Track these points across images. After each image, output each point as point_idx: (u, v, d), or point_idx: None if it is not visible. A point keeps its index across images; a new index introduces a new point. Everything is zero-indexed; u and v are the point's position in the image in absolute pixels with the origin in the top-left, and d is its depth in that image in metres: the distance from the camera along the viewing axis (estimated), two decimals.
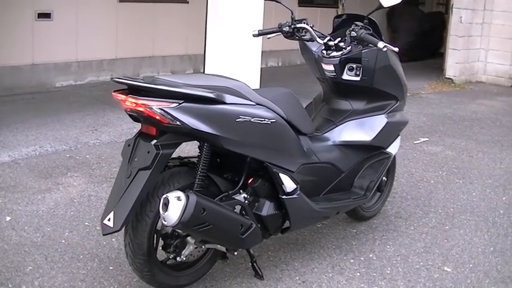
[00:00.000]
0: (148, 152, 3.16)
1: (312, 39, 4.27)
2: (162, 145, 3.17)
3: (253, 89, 3.49)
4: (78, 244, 4.15)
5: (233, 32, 7.19)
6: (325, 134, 4.17)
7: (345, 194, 4.27)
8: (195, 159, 3.55)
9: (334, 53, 4.17)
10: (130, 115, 3.26)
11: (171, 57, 10.35)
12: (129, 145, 3.28)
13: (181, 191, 3.24)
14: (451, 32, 11.50)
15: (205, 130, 3.17)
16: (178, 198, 3.13)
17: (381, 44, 3.80)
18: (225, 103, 3.25)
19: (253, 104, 3.41)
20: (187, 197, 3.14)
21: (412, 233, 4.66)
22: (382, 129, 4.28)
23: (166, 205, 3.13)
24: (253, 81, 7.39)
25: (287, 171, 3.64)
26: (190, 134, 3.19)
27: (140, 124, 3.33)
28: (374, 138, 4.23)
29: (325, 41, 4.21)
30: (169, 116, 3.08)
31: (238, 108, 3.32)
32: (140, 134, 3.29)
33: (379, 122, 4.30)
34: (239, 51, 7.20)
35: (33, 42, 8.67)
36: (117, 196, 3.19)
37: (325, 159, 4.06)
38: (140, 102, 3.07)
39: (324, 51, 4.22)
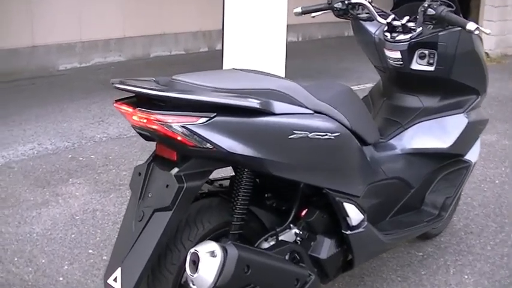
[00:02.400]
0: (168, 186, 2.19)
1: (370, 18, 3.31)
2: (186, 175, 2.21)
3: (306, 89, 2.46)
4: (79, 283, 3.22)
5: (256, 4, 6.15)
6: (391, 141, 3.18)
7: (416, 215, 3.33)
8: (226, 180, 2.66)
9: (401, 36, 3.18)
10: (140, 133, 2.25)
11: (184, 35, 9.37)
12: (139, 174, 2.31)
13: (215, 239, 2.35)
14: (486, 2, 10.38)
15: (247, 154, 2.18)
16: (213, 254, 2.18)
17: (471, 26, 2.79)
18: (273, 114, 2.26)
19: (311, 112, 2.43)
20: (225, 252, 2.19)
21: (490, 256, 3.69)
22: (461, 132, 3.29)
23: (195, 263, 2.19)
24: (278, 60, 6.46)
25: (352, 198, 2.66)
26: (226, 159, 2.18)
27: (154, 144, 2.31)
28: (452, 144, 3.25)
29: (388, 20, 3.22)
30: (196, 137, 2.11)
31: (292, 121, 2.35)
32: (155, 158, 2.32)
33: (457, 123, 3.31)
34: (262, 26, 6.22)
35: (33, 21, 7.76)
36: (126, 247, 2.25)
37: (392, 173, 3.10)
38: (153, 117, 2.10)
39: (388, 34, 3.23)
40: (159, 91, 2.15)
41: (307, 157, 2.44)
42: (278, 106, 2.31)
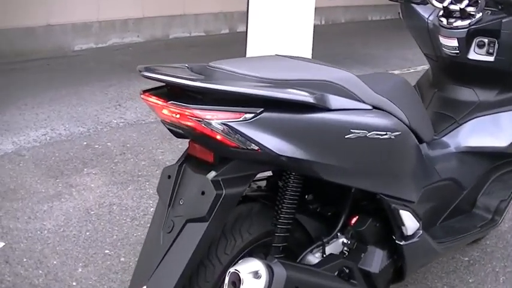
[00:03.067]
0: (203, 193, 1.83)
1: (424, 1, 2.94)
2: (225, 181, 1.86)
3: (362, 80, 2.10)
4: None
5: None
6: (444, 138, 2.82)
7: (467, 219, 2.97)
8: (263, 181, 2.33)
9: (459, 22, 2.82)
10: (171, 130, 1.88)
11: (204, 16, 8.99)
12: (169, 177, 1.95)
13: (255, 252, 2.05)
14: None
15: (297, 157, 1.82)
16: (256, 275, 1.84)
17: None
18: (329, 110, 1.87)
19: (369, 107, 2.05)
20: (271, 272, 1.86)
21: None
22: None
23: (236, 285, 1.82)
24: (305, 44, 6.16)
25: (408, 205, 2.30)
26: (274, 162, 1.82)
27: (187, 141, 1.96)
28: (511, 143, 2.81)
29: (445, 3, 2.84)
30: (238, 136, 1.72)
31: (349, 118, 1.99)
32: (187, 159, 1.96)
33: None
34: (289, 8, 5.90)
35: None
36: (153, 262, 1.92)
37: (446, 174, 2.76)
38: (189, 113, 1.72)
39: (443, 19, 2.86)
40: (197, 81, 1.79)
41: (363, 160, 2.09)
42: (334, 101, 1.95)
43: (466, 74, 2.92)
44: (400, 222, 2.30)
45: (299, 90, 1.87)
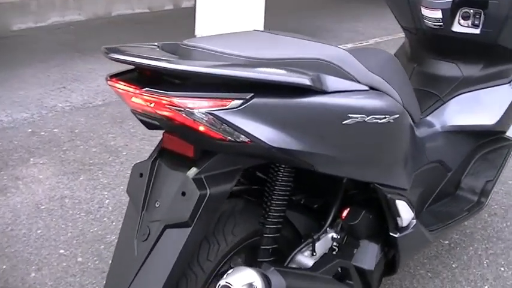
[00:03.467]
0: (184, 194, 1.55)
1: None
2: (209, 178, 1.59)
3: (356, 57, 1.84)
4: None
5: None
6: (429, 117, 2.62)
7: (453, 203, 2.77)
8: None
9: None
10: (143, 121, 1.58)
11: None
12: (140, 175, 1.66)
13: (241, 255, 1.84)
14: None
15: (292, 148, 1.53)
16: (251, 287, 1.51)
17: None
18: (325, 92, 1.59)
19: (366, 88, 1.78)
20: (267, 283, 1.56)
21: None
22: (508, 106, 2.71)
23: None
24: (257, 17, 5.94)
25: (402, 193, 2.06)
26: (264, 155, 1.54)
27: (161, 133, 1.67)
28: (499, 120, 2.68)
29: None
30: (225, 126, 1.44)
31: (347, 101, 1.73)
32: (162, 154, 1.65)
33: (502, 95, 2.73)
34: None
35: None
36: (126, 274, 1.66)
37: (433, 156, 2.57)
38: (167, 100, 1.42)
39: None
40: (176, 63, 1.50)
41: (360, 147, 1.84)
42: (330, 82, 1.69)
43: (449, 48, 2.71)
44: (396, 213, 2.07)
45: (293, 71, 1.59)
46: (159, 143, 1.74)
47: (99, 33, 7.08)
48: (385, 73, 2.00)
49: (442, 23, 2.60)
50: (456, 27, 2.61)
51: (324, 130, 1.69)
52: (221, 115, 1.49)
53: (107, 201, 3.39)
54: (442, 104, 2.66)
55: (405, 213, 2.11)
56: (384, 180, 2.01)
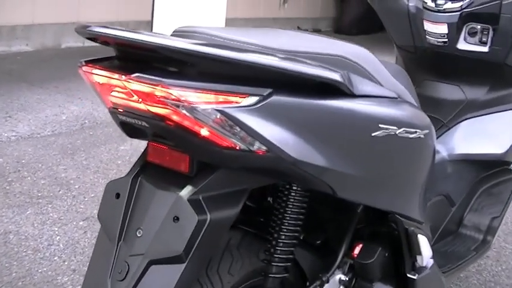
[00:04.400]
0: (177, 220, 1.12)
1: None
2: (209, 199, 1.19)
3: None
4: None
5: None
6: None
7: (458, 242, 2.46)
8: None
9: (450, 4, 2.29)
10: (123, 123, 1.17)
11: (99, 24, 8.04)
12: (117, 196, 1.24)
13: None
14: None
15: (317, 163, 1.13)
16: None
17: None
18: (354, 95, 1.21)
19: (395, 96, 1.41)
20: None
21: None
22: None
23: None
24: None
25: (420, 226, 1.69)
26: (283, 171, 1.15)
27: (145, 143, 1.26)
28: (508, 149, 2.35)
29: None
30: (237, 130, 1.03)
31: (377, 108, 1.36)
32: (145, 169, 1.24)
33: (510, 121, 2.41)
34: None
35: None
36: None
37: (439, 187, 2.27)
38: (163, 91, 1.01)
39: (429, 1, 2.31)
40: (179, 42, 1.10)
41: (386, 166, 1.48)
42: (359, 84, 1.34)
43: (453, 68, 2.40)
44: (417, 250, 1.70)
45: (319, 66, 1.22)
46: (142, 155, 1.34)
47: (48, 64, 6.64)
48: (405, 84, 1.66)
49: (447, 39, 2.30)
50: (462, 45, 2.31)
51: (352, 142, 1.33)
52: (234, 114, 1.11)
53: (58, 238, 2.96)
54: (447, 130, 2.35)
55: (425, 250, 1.76)
56: (404, 210, 1.66)
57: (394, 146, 1.46)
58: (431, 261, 1.86)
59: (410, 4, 2.39)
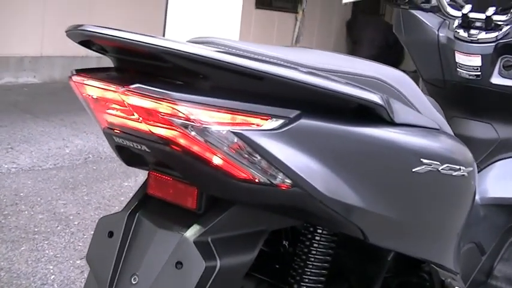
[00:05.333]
0: (181, 266, 0.88)
1: (434, 8, 2.19)
2: (220, 242, 0.92)
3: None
4: None
5: None
6: None
7: None
8: None
9: (484, 35, 2.08)
10: (120, 147, 0.95)
11: (108, 58, 7.92)
12: (110, 234, 0.99)
13: None
14: None
15: (350, 202, 0.90)
16: None
17: None
18: (393, 124, 0.99)
19: (436, 127, 1.19)
20: None
21: None
22: None
23: None
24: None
25: (456, 278, 1.45)
26: (311, 211, 0.92)
27: (146, 173, 1.03)
28: None
29: (465, 11, 2.11)
30: (257, 158, 0.81)
31: (419, 140, 1.11)
32: (145, 203, 1.00)
33: None
34: None
35: None
36: None
37: (471, 234, 2.00)
38: (168, 107, 0.78)
39: (462, 31, 2.08)
40: (193, 48, 0.89)
41: (426, 207, 1.25)
42: (398, 110, 1.11)
43: (485, 104, 2.20)
44: None
45: (356, 86, 1.01)
46: (141, 187, 1.12)
47: (54, 97, 6.49)
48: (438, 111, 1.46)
49: (479, 73, 2.10)
50: (496, 79, 2.11)
51: (390, 178, 1.11)
52: (254, 138, 0.89)
53: (52, 277, 2.73)
54: (478, 172, 2.11)
55: None
56: (441, 258, 1.44)
57: (436, 184, 1.24)
58: None
59: (440, 35, 2.20)
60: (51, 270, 2.79)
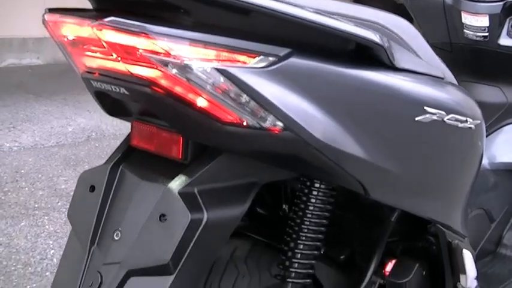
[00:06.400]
0: (165, 219, 0.79)
1: None
2: (207, 194, 0.82)
3: None
4: None
5: None
6: None
7: (498, 263, 2.11)
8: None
9: None
10: (100, 93, 0.86)
11: None
12: (92, 188, 0.90)
13: None
14: None
15: (348, 150, 0.82)
16: None
17: None
18: (394, 68, 0.90)
19: (441, 76, 1.10)
20: None
21: None
22: None
23: None
24: None
25: (464, 241, 1.36)
26: (301, 157, 0.83)
27: (130, 125, 0.94)
28: None
29: None
30: (245, 98, 0.72)
31: (422, 87, 1.03)
32: (128, 155, 0.91)
33: None
34: None
35: None
36: None
37: (479, 200, 1.95)
38: (147, 42, 0.69)
39: None
40: None
41: (431, 161, 1.16)
42: (400, 55, 1.03)
43: (493, 67, 2.13)
44: (461, 269, 1.38)
45: (354, 24, 0.92)
46: (125, 139, 1.04)
47: (58, 78, 6.41)
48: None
49: (487, 33, 2.01)
50: (504, 40, 2.04)
51: (391, 126, 1.02)
52: (242, 76, 0.81)
53: (52, 252, 2.67)
54: (487, 136, 2.04)
55: (470, 269, 1.44)
56: (448, 219, 1.36)
57: (441, 135, 1.16)
58: (476, 282, 1.55)
59: None
60: (51, 245, 2.74)
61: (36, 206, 3.14)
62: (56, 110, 5.10)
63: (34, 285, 2.41)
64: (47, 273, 2.50)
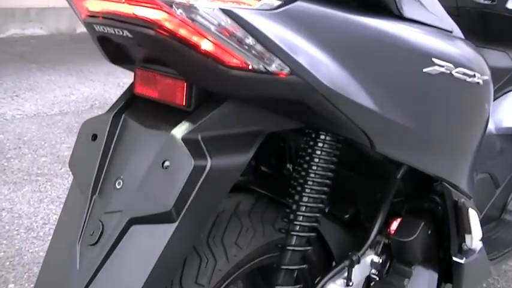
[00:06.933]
0: (167, 166, 0.76)
1: None
2: (210, 140, 0.78)
3: None
4: None
5: None
6: None
7: (502, 229, 2.09)
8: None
9: None
10: (102, 39, 0.83)
11: None
12: (94, 137, 0.88)
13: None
14: None
15: (354, 99, 0.79)
16: None
17: None
18: (402, 18, 0.87)
19: (449, 29, 1.06)
20: None
21: None
22: None
23: None
24: None
25: (469, 201, 1.34)
26: (307, 103, 0.81)
27: (132, 74, 0.91)
28: None
29: None
30: (251, 41, 0.69)
31: (430, 39, 1.00)
32: (131, 104, 0.88)
33: None
34: None
35: None
36: None
37: (484, 164, 1.92)
38: None
39: None
40: None
41: (439, 115, 1.14)
42: (407, 4, 0.99)
43: (500, 32, 2.10)
44: (467, 228, 1.37)
45: None
46: (128, 88, 1.02)
47: (61, 48, 6.37)
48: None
49: None
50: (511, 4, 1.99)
51: (398, 77, 0.99)
52: (248, 18, 0.78)
53: (54, 217, 2.66)
54: (494, 100, 2.01)
55: (476, 229, 1.42)
56: (455, 178, 1.33)
57: (449, 89, 1.14)
58: (481, 244, 1.53)
59: None
60: (54, 210, 2.72)
61: (39, 172, 3.12)
62: (59, 79, 5.06)
63: (36, 249, 2.39)
64: (49, 238, 2.48)
